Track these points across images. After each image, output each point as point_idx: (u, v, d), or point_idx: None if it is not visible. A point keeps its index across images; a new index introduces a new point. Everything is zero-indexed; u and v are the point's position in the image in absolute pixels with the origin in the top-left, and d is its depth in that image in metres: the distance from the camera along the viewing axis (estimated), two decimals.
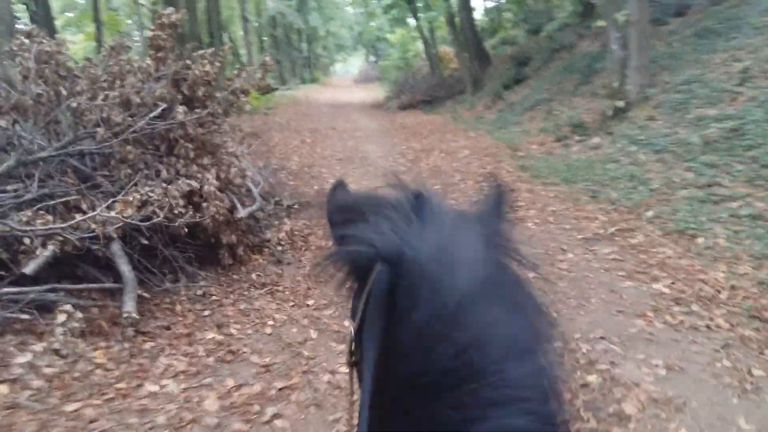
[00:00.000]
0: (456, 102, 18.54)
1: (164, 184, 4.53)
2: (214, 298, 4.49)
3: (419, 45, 28.15)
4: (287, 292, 4.65)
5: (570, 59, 14.89)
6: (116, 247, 4.22)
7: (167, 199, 4.31)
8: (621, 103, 9.94)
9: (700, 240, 5.19)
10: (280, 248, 5.60)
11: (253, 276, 4.94)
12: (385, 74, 31.78)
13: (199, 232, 4.92)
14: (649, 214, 6.12)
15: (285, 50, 34.42)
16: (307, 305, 4.41)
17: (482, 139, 12.26)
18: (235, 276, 4.93)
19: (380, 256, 0.74)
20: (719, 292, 4.19)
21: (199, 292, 4.53)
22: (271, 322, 4.13)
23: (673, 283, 4.46)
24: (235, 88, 5.33)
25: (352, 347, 0.93)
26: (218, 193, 4.84)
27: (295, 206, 6.94)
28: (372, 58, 43.07)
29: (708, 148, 7.15)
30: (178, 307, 4.26)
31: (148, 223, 4.10)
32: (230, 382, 3.35)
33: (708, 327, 3.75)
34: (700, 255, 4.92)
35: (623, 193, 6.91)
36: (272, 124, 14.89)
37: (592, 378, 3.30)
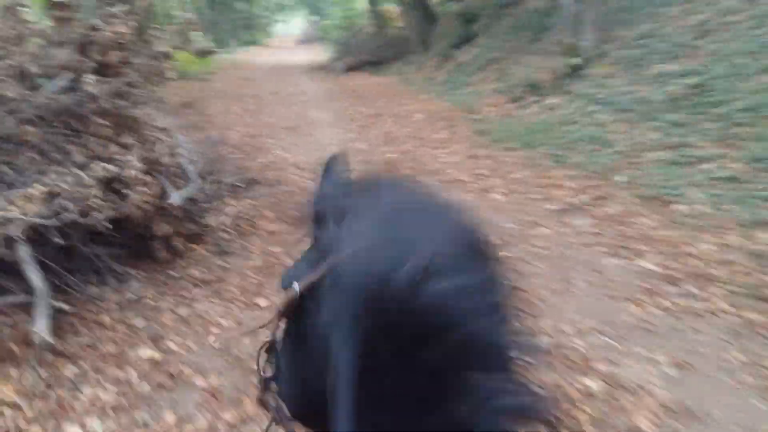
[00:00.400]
0: (404, 63, 17.80)
1: (77, 170, 3.78)
2: (148, 302, 3.82)
3: (362, 2, 27.06)
4: (235, 290, 4.01)
5: (519, 16, 14.34)
6: (23, 252, 3.47)
7: (80, 189, 3.57)
8: (576, 61, 9.51)
9: (680, 207, 4.82)
10: (224, 236, 4.93)
11: (194, 272, 4.27)
12: (327, 34, 30.56)
13: (127, 223, 4.20)
14: (620, 179, 5.72)
15: (223, 11, 32.56)
16: (259, 306, 3.80)
17: (434, 102, 11.67)
18: (172, 273, 4.24)
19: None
20: (712, 268, 3.81)
21: (132, 297, 3.84)
22: (216, 331, 3.51)
23: (660, 259, 4.06)
24: (156, 52, 4.53)
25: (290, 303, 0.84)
26: (143, 176, 4.11)
27: (240, 184, 6.23)
28: (314, 18, 41.47)
29: (673, 105, 6.79)
30: (106, 318, 3.57)
31: (52, 221, 3.37)
32: (170, 417, 2.74)
33: (710, 312, 3.36)
34: (683, 224, 4.53)
35: (588, 157, 6.49)
36: (211, 90, 13.85)
37: (592, 383, 2.84)
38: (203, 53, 22.29)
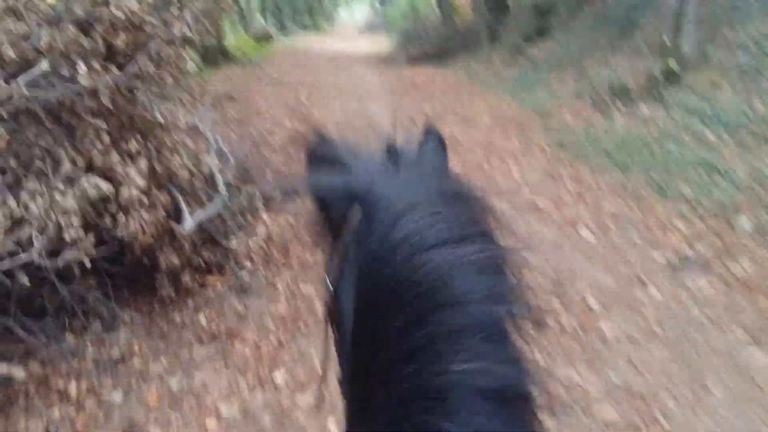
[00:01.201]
0: (470, 56, 16.58)
1: (59, 185, 2.91)
2: (135, 363, 2.93)
3: None
4: (248, 352, 3.08)
5: (603, 9, 12.90)
6: None
7: (53, 217, 2.70)
8: (674, 65, 8.16)
9: None
10: (248, 265, 4.02)
11: (202, 318, 3.36)
12: (391, 23, 29.51)
13: (126, 249, 3.34)
14: (745, 224, 4.50)
15: None
16: (274, 384, 2.85)
17: (504, 103, 10.49)
18: (175, 318, 3.35)
19: (355, 194, 0.73)
20: None
21: (116, 354, 2.97)
22: (213, 422, 2.58)
23: None
24: (173, 37, 3.61)
25: (330, 303, 0.86)
26: (145, 195, 3.21)
27: (278, 196, 5.31)
28: (378, 5, 40.43)
29: None
30: (73, 388, 2.70)
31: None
32: None
33: None
34: None
35: (699, 188, 5.25)
36: (264, 78, 13.06)
37: None
38: (262, 38, 21.76)
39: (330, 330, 0.89)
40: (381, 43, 23.70)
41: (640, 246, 4.38)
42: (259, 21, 27.34)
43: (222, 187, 4.28)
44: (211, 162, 4.52)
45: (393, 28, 26.91)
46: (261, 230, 4.38)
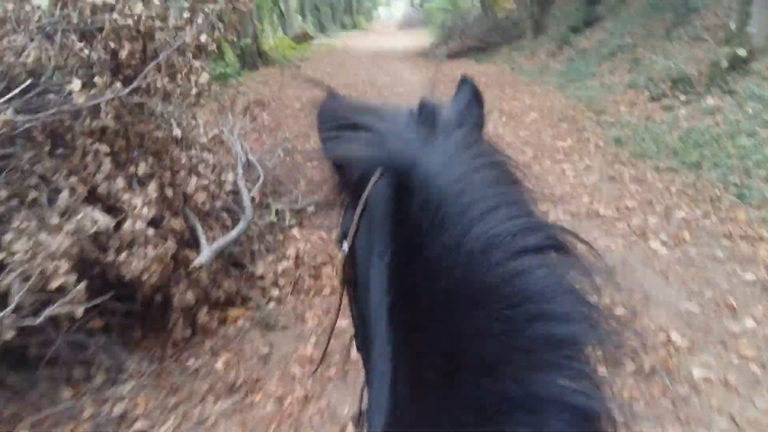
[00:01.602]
0: (513, 49, 15.83)
1: (53, 220, 2.52)
2: (140, 425, 2.52)
3: None
4: (270, 410, 2.63)
5: None
6: None
7: (39, 258, 2.30)
8: (742, 51, 7.34)
9: None
10: (274, 293, 3.57)
11: (219, 364, 2.92)
12: (430, 18, 28.84)
13: (135, 284, 2.93)
14: None
15: None
16: None
17: (552, 97, 9.79)
18: (189, 363, 2.93)
19: (389, 164, 0.66)
20: None
21: (117, 410, 2.56)
22: None
23: None
24: (184, 44, 3.18)
25: (345, 265, 0.82)
26: (151, 231, 2.78)
27: (311, 208, 4.87)
28: (417, 1, 39.74)
29: None
30: None
31: None
32: None
33: None
34: None
35: None
36: (301, 79, 12.69)
37: None
38: (301, 38, 21.47)
39: (345, 292, 0.87)
40: (420, 39, 23.09)
41: (723, 262, 3.74)
42: (297, 21, 27.13)
43: (248, 205, 3.85)
44: (237, 177, 4.10)
45: (433, 23, 26.24)
46: (291, 251, 3.92)
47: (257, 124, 6.27)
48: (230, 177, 3.87)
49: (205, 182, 3.38)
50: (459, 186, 0.62)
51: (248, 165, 4.78)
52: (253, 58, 14.49)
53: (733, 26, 7.77)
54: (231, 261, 3.74)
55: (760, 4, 7.26)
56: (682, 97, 7.63)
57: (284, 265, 3.78)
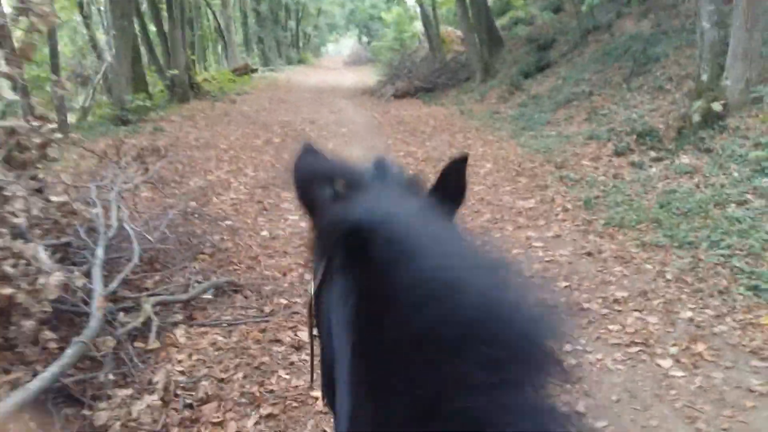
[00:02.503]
0: (461, 91, 15.11)
1: None
2: None
3: (417, 25, 24.73)
4: None
5: (610, 42, 11.49)
6: None
7: None
8: (717, 106, 6.62)
9: None
10: None
11: None
12: (377, 56, 28.23)
13: None
14: None
15: (270, 28, 30.59)
16: None
17: (506, 145, 8.88)
18: None
19: (354, 227, 0.67)
20: None
21: None
22: None
23: None
24: None
25: (310, 308, 0.91)
26: None
27: (208, 294, 3.59)
28: (365, 39, 39.31)
29: None
30: None
31: None
32: None
33: None
34: None
35: None
36: (235, 115, 11.43)
37: None
38: (242, 70, 20.22)
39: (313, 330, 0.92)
40: (366, 76, 22.26)
41: (762, 397, 2.70)
42: (239, 54, 25.96)
43: (94, 312, 2.55)
44: (93, 263, 2.80)
45: (380, 61, 25.56)
46: (160, 377, 2.63)
47: (156, 176, 4.96)
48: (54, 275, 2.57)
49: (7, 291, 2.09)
50: (415, 235, 0.63)
51: (123, 237, 3.48)
52: (184, 89, 13.13)
53: (704, 78, 7.06)
54: (62, 396, 2.43)
55: (736, 56, 6.57)
56: (652, 153, 6.82)
57: (147, 401, 2.49)
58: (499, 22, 17.90)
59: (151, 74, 14.22)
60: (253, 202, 5.79)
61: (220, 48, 29.65)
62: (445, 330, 0.54)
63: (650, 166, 6.51)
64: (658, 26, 10.70)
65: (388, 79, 18.73)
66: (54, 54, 15.59)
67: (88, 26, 19.59)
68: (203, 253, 4.23)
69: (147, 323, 3.04)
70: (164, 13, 14.09)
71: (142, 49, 14.34)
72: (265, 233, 4.88)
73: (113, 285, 2.90)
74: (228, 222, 5.01)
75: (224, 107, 12.30)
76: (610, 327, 3.38)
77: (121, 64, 10.13)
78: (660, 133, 7.19)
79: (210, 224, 4.77)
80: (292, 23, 34.33)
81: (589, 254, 4.43)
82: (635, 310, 3.55)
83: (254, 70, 22.30)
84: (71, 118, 17.82)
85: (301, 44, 35.89)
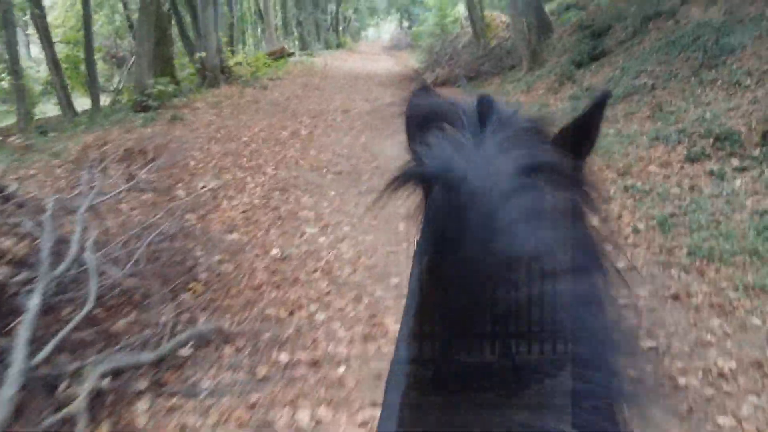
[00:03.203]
0: (506, 80, 14.00)
1: None
2: None
3: (460, 9, 23.53)
4: None
5: (676, 30, 10.23)
6: None
7: None
8: None
9: None
10: None
11: None
12: (418, 42, 27.09)
13: None
14: None
15: (309, 11, 29.71)
16: None
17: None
18: None
19: (433, 177, 0.70)
20: None
21: None
22: None
23: None
24: None
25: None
26: None
27: (187, 349, 2.78)
28: (405, 24, 38.09)
29: None
30: None
31: None
32: None
33: None
34: None
35: None
36: (264, 102, 10.63)
37: None
38: (278, 54, 19.43)
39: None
40: (407, 63, 21.21)
41: None
42: (277, 37, 25.23)
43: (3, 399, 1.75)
44: (28, 316, 2.01)
45: (420, 47, 24.45)
46: None
47: (146, 181, 4.17)
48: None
49: None
50: (490, 194, 0.62)
51: (80, 266, 2.69)
52: (215, 73, 12.41)
53: None
54: None
55: None
56: (733, 161, 5.74)
57: None
58: (549, 7, 16.61)
59: (182, 57, 13.55)
60: (268, 208, 4.98)
61: (259, 31, 28.97)
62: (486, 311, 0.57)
63: (734, 178, 5.44)
64: (731, 14, 9.42)
65: (428, 66, 17.68)
66: (88, 33, 15.14)
67: (125, 5, 19.11)
68: (196, 281, 3.43)
69: (100, 394, 2.25)
70: None
71: (176, 31, 13.69)
72: (275, 252, 4.05)
73: (42, 354, 2.11)
74: (233, 236, 4.20)
75: (254, 93, 11.53)
76: (720, 420, 2.45)
77: (142, 46, 9.44)
78: (741, 137, 6.09)
79: (210, 240, 3.96)
80: (332, 6, 33.37)
81: (675, 298, 3.46)
82: (750, 393, 2.60)
83: (291, 54, 21.51)
84: (105, 101, 17.40)
85: (340, 28, 34.94)
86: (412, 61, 21.05)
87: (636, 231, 4.59)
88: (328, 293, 3.48)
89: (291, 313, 3.23)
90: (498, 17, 18.68)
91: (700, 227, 4.45)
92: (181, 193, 4.95)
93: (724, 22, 9.09)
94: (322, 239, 4.32)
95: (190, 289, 3.33)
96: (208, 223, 4.33)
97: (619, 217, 4.87)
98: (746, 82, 7.36)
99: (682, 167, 6.02)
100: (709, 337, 3.05)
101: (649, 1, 11.41)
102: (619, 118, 8.36)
